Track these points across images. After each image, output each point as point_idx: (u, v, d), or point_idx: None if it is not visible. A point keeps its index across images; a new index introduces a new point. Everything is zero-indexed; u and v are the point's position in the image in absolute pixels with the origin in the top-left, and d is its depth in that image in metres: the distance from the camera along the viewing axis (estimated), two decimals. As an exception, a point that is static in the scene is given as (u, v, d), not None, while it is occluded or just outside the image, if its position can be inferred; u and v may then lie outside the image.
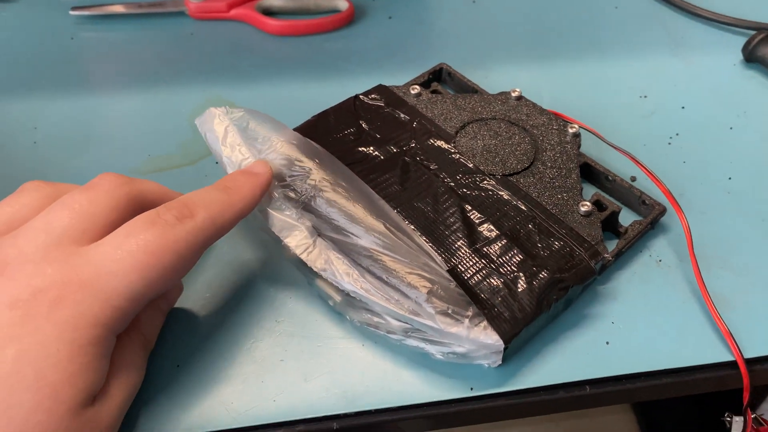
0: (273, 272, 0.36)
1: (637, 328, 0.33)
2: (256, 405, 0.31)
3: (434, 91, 0.43)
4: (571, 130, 0.39)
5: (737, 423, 0.36)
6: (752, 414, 0.37)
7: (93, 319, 0.26)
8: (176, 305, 0.34)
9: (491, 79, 0.47)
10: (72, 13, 0.53)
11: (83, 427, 0.25)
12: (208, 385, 0.31)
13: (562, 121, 0.39)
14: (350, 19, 0.52)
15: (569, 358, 0.32)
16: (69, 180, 0.40)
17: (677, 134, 0.43)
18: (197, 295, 0.35)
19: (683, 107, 0.45)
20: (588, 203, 0.35)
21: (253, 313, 0.34)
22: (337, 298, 0.33)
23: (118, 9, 0.53)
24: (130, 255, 0.26)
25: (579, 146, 0.39)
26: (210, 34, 0.52)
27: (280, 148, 0.35)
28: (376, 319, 0.32)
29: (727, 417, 0.38)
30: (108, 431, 0.27)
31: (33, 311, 0.25)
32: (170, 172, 0.42)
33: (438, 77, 0.46)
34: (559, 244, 0.33)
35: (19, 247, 0.27)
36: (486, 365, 0.31)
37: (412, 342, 0.31)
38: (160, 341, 0.32)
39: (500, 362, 0.31)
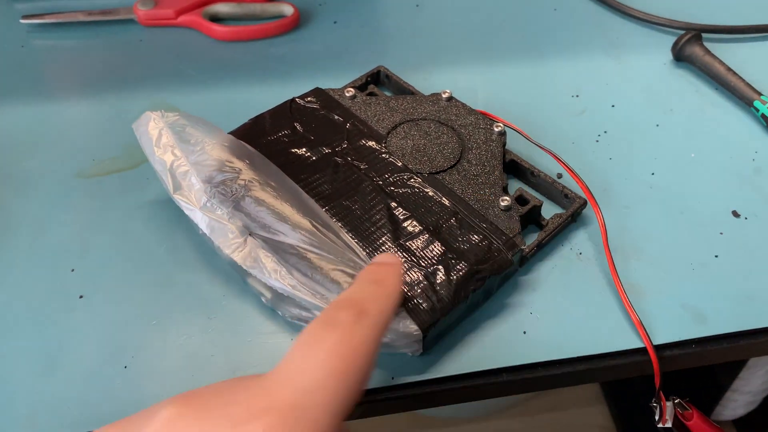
0: (209, 271, 0.37)
1: (554, 317, 0.35)
2: (185, 398, 0.32)
3: (370, 93, 0.45)
4: (496, 129, 0.40)
5: (656, 408, 0.38)
6: (677, 399, 0.38)
7: None
8: (112, 301, 0.35)
9: (430, 81, 0.49)
10: (23, 21, 0.54)
11: None
12: (138, 380, 0.33)
13: (490, 121, 0.41)
14: (296, 24, 0.53)
15: (488, 347, 0.34)
16: (16, 184, 0.42)
17: (605, 132, 0.45)
18: (133, 293, 0.36)
19: (613, 106, 0.47)
20: (508, 198, 0.36)
21: (186, 310, 0.35)
22: (268, 294, 0.34)
23: (69, 17, 0.54)
24: (322, 365, 0.23)
25: (504, 144, 0.40)
26: (158, 40, 0.53)
27: (211, 150, 0.36)
28: (305, 313, 0.33)
29: (653, 403, 0.39)
30: None
31: None
32: (114, 175, 0.43)
33: (376, 80, 0.47)
34: (479, 237, 0.35)
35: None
36: (409, 354, 0.33)
37: (338, 334, 0.33)
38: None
39: (422, 351, 0.32)
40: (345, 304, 0.26)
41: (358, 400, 0.24)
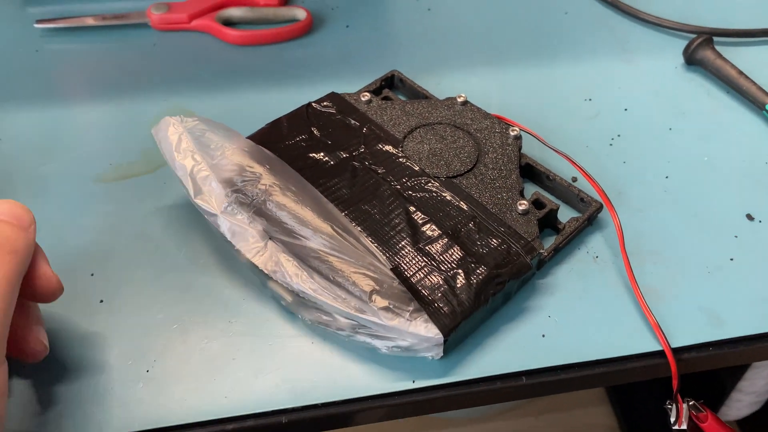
0: (228, 275, 0.37)
1: (572, 321, 0.35)
2: (208, 401, 0.32)
3: (385, 98, 0.45)
4: (512, 133, 0.41)
5: (673, 410, 0.38)
6: (691, 401, 0.38)
7: None
8: (133, 306, 0.36)
9: (443, 85, 0.49)
10: (37, 26, 0.54)
11: None
12: (162, 383, 0.33)
13: (505, 125, 0.41)
14: (308, 28, 0.54)
15: (507, 351, 0.34)
16: (34, 189, 0.42)
17: (619, 135, 0.45)
18: (153, 298, 0.36)
19: (626, 109, 0.47)
20: (525, 202, 0.37)
21: (207, 314, 0.36)
22: (289, 298, 0.35)
23: (83, 21, 0.54)
24: None
25: (520, 148, 0.40)
26: (172, 44, 0.53)
27: (231, 155, 0.37)
28: (325, 317, 0.34)
29: (668, 405, 0.39)
30: None
31: None
32: (131, 180, 0.43)
33: (390, 84, 0.47)
34: (497, 241, 0.35)
35: None
36: (429, 358, 0.33)
37: (359, 338, 0.33)
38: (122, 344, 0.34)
39: (442, 355, 0.33)
40: None
41: None
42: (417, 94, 0.46)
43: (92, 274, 0.38)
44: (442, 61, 0.52)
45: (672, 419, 0.37)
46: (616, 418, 1.05)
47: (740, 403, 0.78)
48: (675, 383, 0.34)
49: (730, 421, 0.88)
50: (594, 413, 1.08)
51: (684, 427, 0.38)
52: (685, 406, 0.37)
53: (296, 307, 0.35)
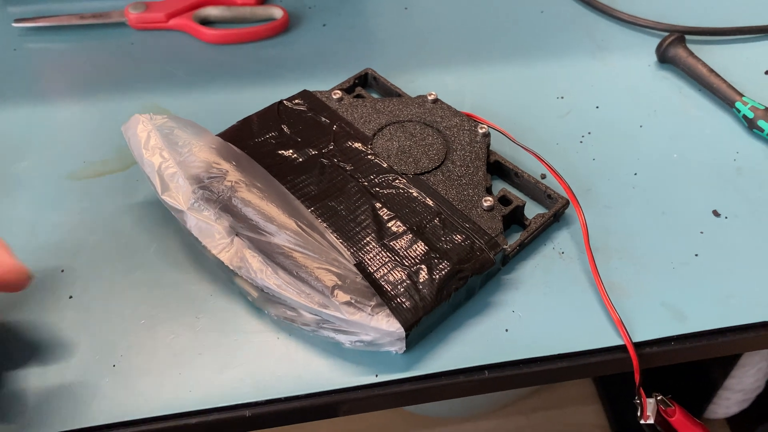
0: (196, 271, 0.38)
1: (535, 315, 0.35)
2: (173, 395, 0.33)
3: (357, 96, 0.45)
4: (481, 131, 0.41)
5: (639, 404, 0.38)
6: (659, 396, 0.39)
7: None
8: (102, 301, 0.36)
9: (418, 83, 0.49)
10: (15, 25, 0.54)
11: None
12: (128, 378, 0.33)
13: (474, 122, 0.42)
14: (285, 27, 0.54)
15: (471, 345, 0.34)
16: (6, 186, 0.42)
17: (589, 133, 0.45)
18: (122, 294, 0.37)
19: (597, 107, 0.47)
20: (491, 198, 0.37)
21: (175, 310, 0.36)
22: (255, 294, 0.35)
23: (62, 20, 0.54)
24: None
25: (488, 145, 0.41)
26: (149, 43, 0.54)
27: (198, 152, 0.37)
28: (290, 312, 0.34)
29: (636, 400, 0.40)
30: None
31: None
32: (104, 177, 0.43)
33: (364, 82, 0.48)
34: (461, 237, 0.35)
35: None
36: (393, 352, 0.33)
37: (323, 333, 0.33)
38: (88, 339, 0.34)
39: (405, 349, 0.33)
40: None
41: None
42: (390, 92, 0.46)
43: (62, 270, 0.38)
44: (417, 59, 0.52)
45: (638, 413, 0.38)
46: (606, 417, 1.05)
47: (729, 401, 0.78)
48: (637, 377, 0.35)
49: (719, 419, 0.88)
50: (584, 412, 1.08)
51: (651, 421, 0.38)
52: (651, 400, 0.38)
53: (262, 303, 0.35)
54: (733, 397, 0.78)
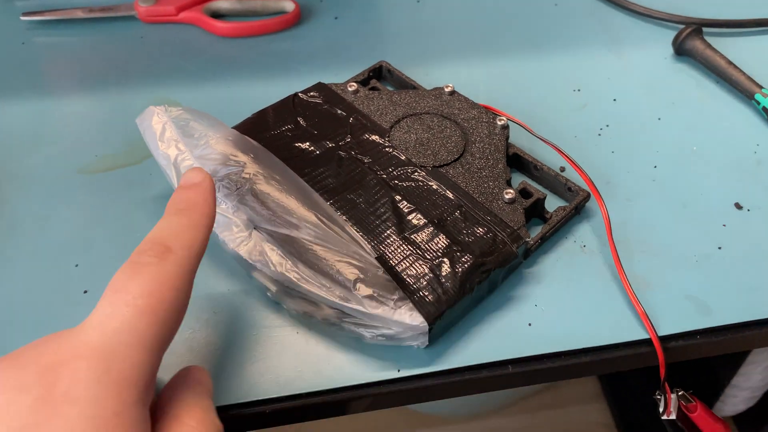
0: (213, 266, 0.37)
1: (558, 309, 0.35)
2: (191, 391, 0.32)
3: (373, 88, 0.45)
4: (499, 123, 0.40)
5: (662, 400, 0.38)
6: (680, 391, 0.38)
7: (114, 385, 0.23)
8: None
9: (432, 75, 0.49)
10: (23, 18, 0.53)
11: None
12: (144, 374, 0.33)
13: (492, 114, 0.41)
14: (297, 20, 0.53)
15: (493, 339, 0.34)
16: (18, 181, 0.42)
17: (607, 125, 0.45)
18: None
19: (615, 100, 0.47)
20: (512, 191, 0.36)
21: (192, 305, 0.35)
22: (273, 288, 0.34)
23: (70, 14, 0.54)
24: (128, 305, 0.24)
25: (507, 138, 0.40)
26: (159, 37, 0.53)
27: (215, 144, 0.36)
28: (310, 306, 0.33)
29: (657, 395, 0.39)
30: None
31: (45, 392, 0.22)
32: (116, 171, 0.43)
33: (378, 75, 0.47)
34: (483, 230, 0.35)
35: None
36: (415, 346, 0.33)
37: (344, 327, 0.33)
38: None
39: (427, 343, 0.33)
40: (148, 245, 0.27)
41: (176, 331, 0.26)
42: (405, 85, 0.46)
43: (76, 265, 0.37)
44: (431, 52, 0.51)
45: (660, 409, 0.37)
46: (611, 415, 1.05)
47: (736, 399, 0.77)
48: (662, 372, 0.34)
49: (726, 417, 0.88)
50: (590, 410, 1.07)
51: (673, 416, 0.37)
52: (674, 396, 0.37)
53: (281, 297, 0.34)
54: (740, 394, 0.77)
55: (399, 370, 0.33)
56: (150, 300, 0.25)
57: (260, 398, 0.32)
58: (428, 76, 0.48)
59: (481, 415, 1.06)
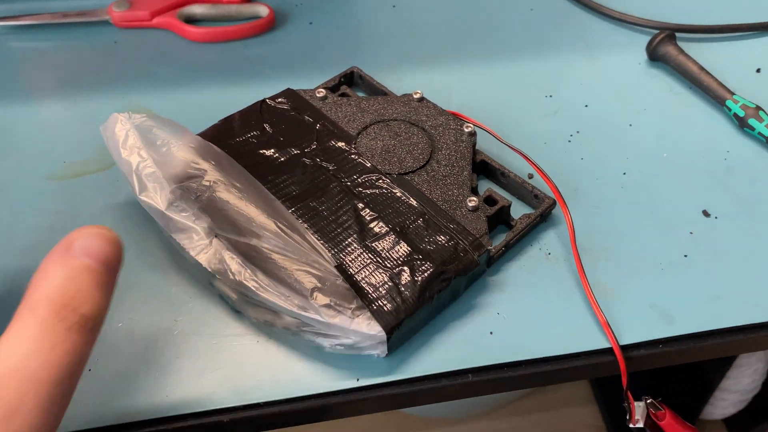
0: (175, 273, 0.37)
1: (521, 318, 0.35)
2: (149, 400, 0.32)
3: (342, 94, 0.45)
4: (466, 129, 0.40)
5: (628, 407, 0.38)
6: (649, 399, 0.38)
7: None
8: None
9: (405, 81, 0.48)
10: (-3, 23, 0.53)
11: None
12: (104, 382, 0.32)
13: (460, 121, 0.41)
14: (271, 25, 0.53)
15: (454, 348, 0.34)
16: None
17: (578, 132, 0.45)
18: (98, 296, 0.36)
19: (586, 105, 0.47)
20: (476, 198, 0.36)
21: (153, 312, 0.35)
22: (234, 296, 0.34)
23: (44, 19, 0.53)
24: None
25: (474, 144, 0.40)
26: (133, 42, 0.53)
27: (177, 151, 0.36)
28: (270, 315, 0.33)
29: (624, 404, 0.39)
30: None
31: None
32: (84, 177, 0.42)
33: (350, 81, 0.47)
34: (445, 238, 0.35)
35: None
36: (375, 356, 0.33)
37: (304, 336, 0.32)
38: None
39: (387, 352, 0.32)
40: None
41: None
42: (376, 91, 0.46)
43: (39, 273, 0.37)
44: (405, 58, 0.51)
45: (627, 417, 0.37)
46: (602, 418, 1.05)
47: (725, 402, 0.77)
48: (624, 381, 0.34)
49: (716, 420, 0.88)
50: (581, 413, 1.07)
51: (640, 425, 0.37)
52: (640, 404, 0.37)
53: (242, 306, 0.34)
54: (729, 398, 0.77)
55: (358, 380, 0.32)
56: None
57: (217, 407, 0.32)
58: (400, 82, 0.48)
59: (472, 417, 1.06)
